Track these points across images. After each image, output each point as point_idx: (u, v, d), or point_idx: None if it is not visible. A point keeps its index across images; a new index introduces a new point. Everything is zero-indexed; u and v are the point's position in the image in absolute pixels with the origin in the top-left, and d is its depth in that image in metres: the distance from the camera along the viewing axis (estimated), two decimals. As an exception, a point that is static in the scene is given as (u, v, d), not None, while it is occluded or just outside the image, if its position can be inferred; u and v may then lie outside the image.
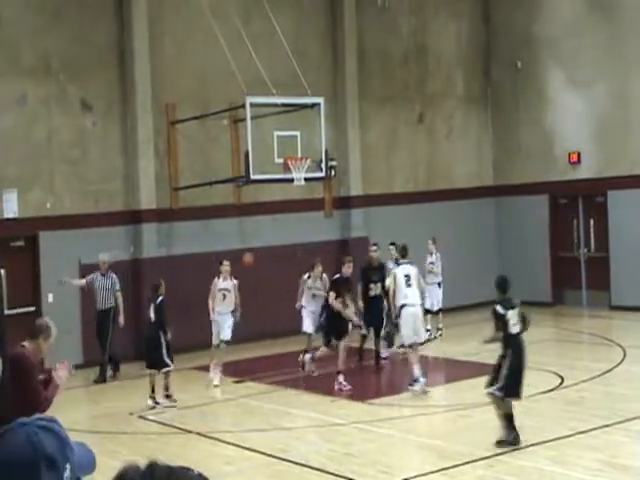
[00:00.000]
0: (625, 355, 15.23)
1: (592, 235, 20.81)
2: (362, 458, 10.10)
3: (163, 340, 13.26)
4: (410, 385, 13.13)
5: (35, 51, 16.63)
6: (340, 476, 9.56)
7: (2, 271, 14.86)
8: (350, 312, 14.34)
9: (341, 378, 13.71)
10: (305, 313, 15.41)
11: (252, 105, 15.24)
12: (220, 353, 14.78)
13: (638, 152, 19.60)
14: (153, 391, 13.39)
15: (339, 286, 14.21)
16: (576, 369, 13.79)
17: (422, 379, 13.08)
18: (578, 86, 20.74)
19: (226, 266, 14.89)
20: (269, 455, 10.47)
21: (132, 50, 17.43)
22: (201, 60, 18.23)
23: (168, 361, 13.26)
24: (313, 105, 16.06)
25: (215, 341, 14.83)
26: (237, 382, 14.91)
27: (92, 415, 13.57)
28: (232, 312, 14.80)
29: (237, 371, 15.52)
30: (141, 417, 12.84)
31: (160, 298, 13.54)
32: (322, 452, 10.51)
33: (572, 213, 21.18)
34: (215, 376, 14.54)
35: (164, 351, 13.26)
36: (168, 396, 13.45)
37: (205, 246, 17.97)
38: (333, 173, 18.56)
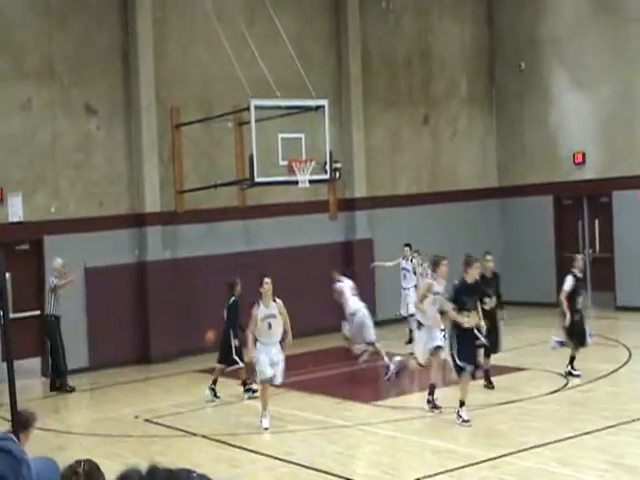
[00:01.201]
0: (630, 356, 15.22)
1: (597, 236, 20.79)
2: (367, 460, 10.11)
3: (232, 339, 13.60)
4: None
5: (39, 55, 16.67)
6: (345, 478, 9.56)
7: (7, 275, 14.97)
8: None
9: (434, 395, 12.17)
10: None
11: (256, 108, 15.25)
12: (265, 395, 12.15)
13: (643, 152, 19.58)
14: (214, 383, 13.71)
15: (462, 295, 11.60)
16: (582, 370, 13.77)
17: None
18: (582, 87, 20.73)
19: (267, 285, 12.11)
20: (274, 457, 10.48)
21: (136, 53, 17.46)
22: (205, 63, 18.26)
23: (237, 359, 13.60)
24: (317, 107, 16.06)
25: (261, 378, 12.13)
26: (242, 384, 14.89)
27: (95, 418, 13.57)
28: (280, 342, 12.25)
29: (242, 373, 15.51)
30: (147, 420, 12.85)
31: (233, 298, 13.79)
32: (327, 454, 10.51)
33: (577, 214, 21.15)
34: (264, 419, 11.91)
35: (233, 350, 13.61)
36: (248, 390, 13.77)
37: (210, 249, 18.00)
38: (337, 175, 18.55)
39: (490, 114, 22.67)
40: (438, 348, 12.16)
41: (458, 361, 11.42)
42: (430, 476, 9.45)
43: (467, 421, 11.29)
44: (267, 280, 12.10)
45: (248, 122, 15.53)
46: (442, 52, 21.86)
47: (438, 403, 12.09)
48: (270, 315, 11.98)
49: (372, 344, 15.03)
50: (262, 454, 10.67)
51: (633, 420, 10.99)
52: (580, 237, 21.11)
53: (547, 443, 10.20)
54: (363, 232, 20.22)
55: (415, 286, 17.67)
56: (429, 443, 10.78)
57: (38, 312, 16.22)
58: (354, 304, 15.44)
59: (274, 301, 12.11)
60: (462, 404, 11.41)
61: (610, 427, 10.76)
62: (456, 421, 11.32)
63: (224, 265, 18.03)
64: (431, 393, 12.21)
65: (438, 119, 21.82)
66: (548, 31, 21.35)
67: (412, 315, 17.65)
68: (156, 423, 12.65)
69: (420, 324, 12.42)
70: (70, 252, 16.52)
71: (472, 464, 9.69)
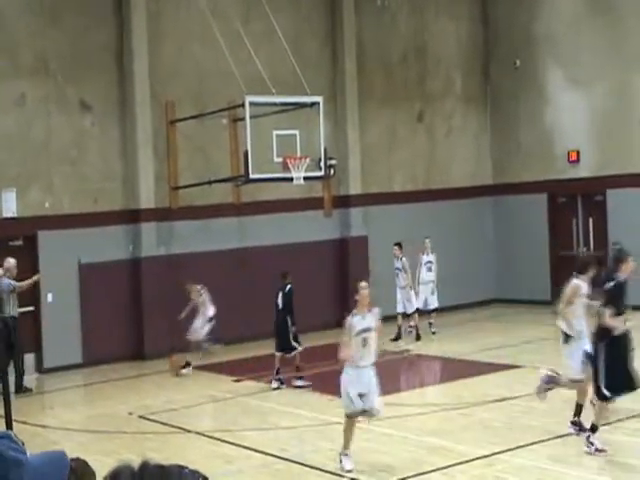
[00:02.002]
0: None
1: (591, 234, 20.81)
2: (361, 457, 10.10)
3: (290, 325, 14.05)
4: None
5: (34, 51, 16.62)
6: (339, 475, 9.56)
7: (1, 270, 14.93)
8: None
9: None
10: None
11: (251, 104, 15.24)
12: (350, 430, 9.89)
13: (637, 151, 19.60)
14: (277, 373, 14.03)
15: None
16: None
17: None
18: (577, 85, 20.74)
19: (364, 290, 9.84)
20: (268, 454, 10.47)
21: (131, 50, 17.42)
22: (200, 60, 18.23)
23: (295, 344, 14.06)
24: (312, 104, 16.06)
25: (347, 412, 9.90)
26: (236, 381, 14.91)
27: (90, 415, 13.55)
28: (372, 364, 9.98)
29: (236, 370, 15.53)
30: (141, 417, 12.84)
31: (288, 286, 14.25)
32: (321, 451, 10.51)
33: (571, 212, 21.17)
34: (346, 460, 9.70)
35: (290, 336, 14.07)
36: (300, 377, 14.07)
37: (204, 245, 17.98)
38: (332, 172, 18.57)
39: (485, 112, 22.67)
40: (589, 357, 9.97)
41: (604, 390, 9.49)
42: (424, 473, 9.45)
43: (602, 451, 9.48)
44: (364, 284, 9.86)
45: (243, 119, 15.52)
46: (437, 50, 21.86)
47: (585, 425, 10.03)
48: (366, 329, 9.69)
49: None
50: (256, 451, 10.66)
51: (627, 418, 11.00)
52: (574, 235, 21.13)
53: (541, 440, 10.21)
54: (358, 229, 20.22)
55: (408, 286, 17.69)
56: (423, 440, 10.78)
57: (32, 308, 16.20)
58: None
59: (369, 311, 9.86)
60: (594, 429, 9.60)
61: (604, 425, 10.77)
62: (585, 448, 9.58)
63: (218, 261, 18.04)
64: (578, 413, 10.35)
65: (433, 117, 21.82)
66: (543, 29, 21.35)
67: (408, 314, 17.71)
68: (150, 420, 12.63)
69: (567, 336, 10.30)
70: (64, 248, 16.50)
71: (466, 461, 9.70)
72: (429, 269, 18.19)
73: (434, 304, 18.16)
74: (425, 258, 18.17)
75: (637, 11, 19.59)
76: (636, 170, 19.54)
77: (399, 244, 17.80)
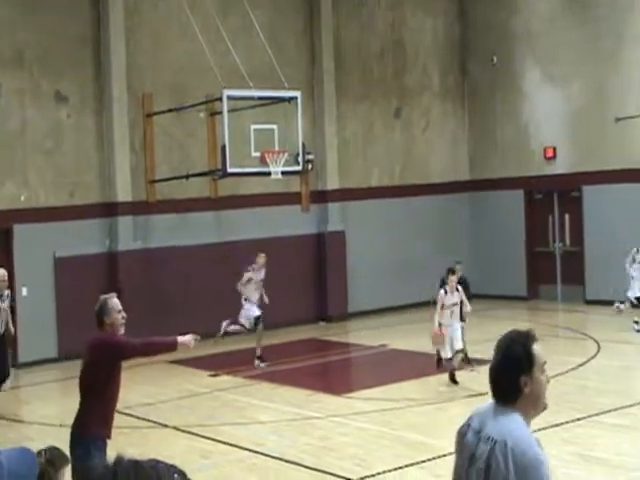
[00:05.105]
0: (599, 349, 15.36)
1: (567, 230, 20.95)
2: (338, 452, 10.12)
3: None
4: None
5: (9, 43, 16.46)
6: (316, 469, 9.57)
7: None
8: None
9: None
10: None
11: (229, 98, 15.19)
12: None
13: (613, 148, 19.74)
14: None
15: None
16: (551, 363, 13.74)
17: None
18: (554, 82, 20.85)
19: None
20: (245, 449, 10.47)
21: (108, 42, 17.30)
22: (178, 53, 18.14)
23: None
24: (290, 99, 16.03)
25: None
26: (213, 376, 14.88)
27: (66, 409, 13.44)
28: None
29: (213, 364, 15.50)
30: (117, 411, 12.74)
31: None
32: (298, 446, 10.52)
33: (547, 208, 21.29)
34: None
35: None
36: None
37: (181, 239, 17.92)
38: (310, 167, 18.56)
39: (462, 108, 22.73)
40: None
41: None
42: (401, 468, 9.48)
43: None
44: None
45: (221, 112, 15.47)
46: (415, 46, 21.88)
47: None
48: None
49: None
50: (233, 445, 10.65)
51: (602, 412, 11.10)
52: (550, 231, 21.26)
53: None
54: (335, 224, 20.22)
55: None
56: (401, 435, 10.81)
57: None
58: None
59: (457, 290, 13.18)
60: None
61: (579, 419, 10.86)
62: None
63: (196, 256, 17.99)
64: None
65: (410, 112, 21.85)
66: (521, 25, 21.43)
67: None
68: (126, 414, 12.57)
69: None
70: (40, 242, 16.38)
71: (443, 455, 9.73)
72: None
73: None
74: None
75: (613, 9, 19.72)
76: (612, 167, 19.69)
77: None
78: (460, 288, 13.26)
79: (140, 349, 7.32)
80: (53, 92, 16.96)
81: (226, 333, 15.50)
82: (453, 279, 13.15)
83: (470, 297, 14.00)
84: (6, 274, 12.93)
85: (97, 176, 17.46)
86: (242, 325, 15.32)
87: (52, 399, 14.23)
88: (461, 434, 3.78)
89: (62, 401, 14.41)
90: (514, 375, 3.70)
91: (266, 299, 15.57)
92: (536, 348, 3.79)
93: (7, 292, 12.86)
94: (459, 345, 12.93)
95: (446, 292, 13.19)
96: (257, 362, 15.30)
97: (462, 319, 13.55)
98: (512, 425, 3.56)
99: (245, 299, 15.33)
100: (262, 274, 15.53)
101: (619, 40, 19.59)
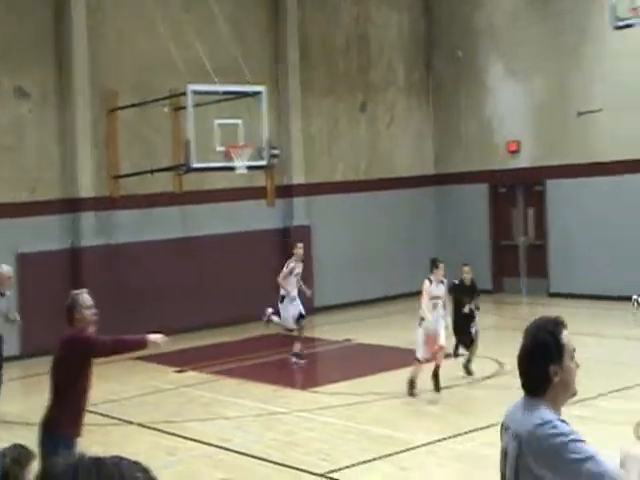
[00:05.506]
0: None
1: (531, 223, 21.12)
2: (304, 446, 10.12)
3: None
4: None
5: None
6: (282, 465, 9.57)
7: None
8: None
9: None
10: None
11: (193, 93, 15.09)
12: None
13: (576, 142, 19.92)
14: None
15: None
16: (516, 356, 13.96)
17: None
18: (517, 76, 20.99)
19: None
20: (211, 445, 10.44)
21: (70, 37, 17.11)
22: (142, 47, 17.99)
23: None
24: (255, 93, 15.97)
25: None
26: (178, 372, 14.82)
27: (28, 407, 13.32)
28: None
29: (178, 360, 15.42)
30: (81, 408, 12.66)
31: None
32: (264, 441, 10.50)
33: (511, 202, 21.46)
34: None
35: None
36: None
37: (146, 235, 17.80)
38: (275, 161, 18.49)
39: (427, 102, 22.81)
40: None
41: None
42: (367, 461, 9.51)
43: None
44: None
45: (185, 107, 15.37)
46: (380, 40, 21.91)
47: None
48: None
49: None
50: (199, 441, 10.61)
51: (567, 405, 11.18)
52: (514, 224, 21.42)
53: (481, 428, 10.32)
54: (300, 219, 20.20)
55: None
56: (366, 429, 10.84)
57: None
58: None
59: (442, 282, 12.70)
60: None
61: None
62: None
63: (161, 251, 17.88)
64: None
65: (375, 106, 21.88)
66: (484, 20, 21.55)
67: None
68: (91, 411, 12.44)
69: None
70: (2, 238, 16.18)
71: (409, 449, 9.77)
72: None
73: None
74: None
75: (575, 3, 19.88)
76: (574, 161, 19.87)
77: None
78: (445, 281, 12.78)
79: (110, 346, 7.29)
80: (13, 87, 16.74)
81: (269, 320, 14.96)
82: (440, 272, 12.47)
83: (478, 302, 13.69)
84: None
85: (59, 172, 17.28)
86: (285, 327, 14.82)
87: (14, 397, 14.05)
88: (501, 430, 3.73)
89: (25, 399, 14.27)
90: (543, 364, 3.60)
91: (308, 292, 15.19)
92: (565, 335, 3.62)
93: (7, 292, 12.57)
94: (441, 341, 12.47)
95: (431, 282, 12.40)
96: (294, 359, 14.68)
97: (472, 317, 13.33)
98: (536, 420, 3.46)
99: (284, 296, 14.66)
100: (301, 266, 15.02)
101: (581, 35, 19.76)
